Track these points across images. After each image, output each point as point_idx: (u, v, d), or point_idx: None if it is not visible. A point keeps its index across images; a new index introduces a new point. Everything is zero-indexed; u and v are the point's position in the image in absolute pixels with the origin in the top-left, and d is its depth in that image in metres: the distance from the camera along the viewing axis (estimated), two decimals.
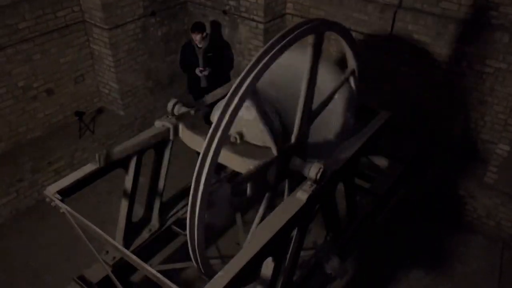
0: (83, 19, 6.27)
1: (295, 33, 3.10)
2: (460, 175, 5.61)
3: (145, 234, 4.35)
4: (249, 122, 3.49)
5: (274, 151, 3.39)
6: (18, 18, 5.57)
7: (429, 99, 5.82)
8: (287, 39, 3.05)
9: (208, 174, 2.84)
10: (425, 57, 5.60)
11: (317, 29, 3.32)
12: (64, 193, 3.40)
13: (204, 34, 6.07)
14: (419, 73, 5.74)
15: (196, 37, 6.02)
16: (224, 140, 2.89)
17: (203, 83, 6.23)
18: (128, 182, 3.99)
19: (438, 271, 5.17)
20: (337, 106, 4.02)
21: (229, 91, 2.87)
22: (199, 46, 6.10)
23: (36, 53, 5.91)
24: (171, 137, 3.92)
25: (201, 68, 6.12)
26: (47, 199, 3.37)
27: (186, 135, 3.83)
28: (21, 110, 6.02)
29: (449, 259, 5.30)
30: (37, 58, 5.96)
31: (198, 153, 2.94)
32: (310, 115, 3.61)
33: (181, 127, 3.85)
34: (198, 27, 6.02)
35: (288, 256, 3.51)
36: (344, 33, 3.94)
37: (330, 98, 3.93)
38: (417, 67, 5.72)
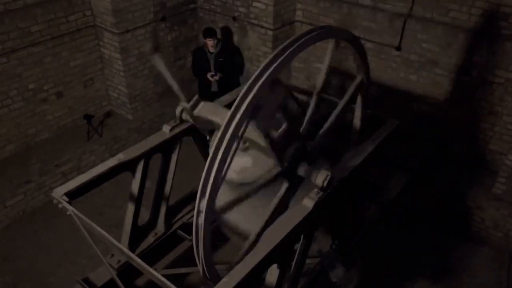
0: (94, 23, 6.33)
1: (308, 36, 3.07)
2: (468, 185, 5.57)
3: (150, 238, 4.34)
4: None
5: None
6: (30, 22, 5.63)
7: (438, 108, 5.80)
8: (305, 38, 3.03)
9: (215, 177, 2.83)
10: (434, 66, 5.58)
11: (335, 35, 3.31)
12: (71, 195, 3.41)
13: (216, 40, 6.18)
14: (428, 82, 5.72)
15: (209, 43, 6.14)
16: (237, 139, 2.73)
17: (214, 88, 6.41)
18: (135, 186, 4.00)
19: (444, 282, 5.11)
20: None
21: (238, 96, 2.82)
22: (211, 51, 6.22)
23: (47, 56, 5.97)
24: (184, 116, 3.88)
25: (212, 73, 6.25)
26: (54, 201, 3.38)
27: (206, 107, 3.61)
28: (31, 112, 6.08)
29: (455, 270, 5.25)
30: (48, 61, 6.02)
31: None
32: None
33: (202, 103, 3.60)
34: (211, 33, 6.14)
35: (293, 263, 3.50)
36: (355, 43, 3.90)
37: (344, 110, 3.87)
38: (426, 76, 5.71)
